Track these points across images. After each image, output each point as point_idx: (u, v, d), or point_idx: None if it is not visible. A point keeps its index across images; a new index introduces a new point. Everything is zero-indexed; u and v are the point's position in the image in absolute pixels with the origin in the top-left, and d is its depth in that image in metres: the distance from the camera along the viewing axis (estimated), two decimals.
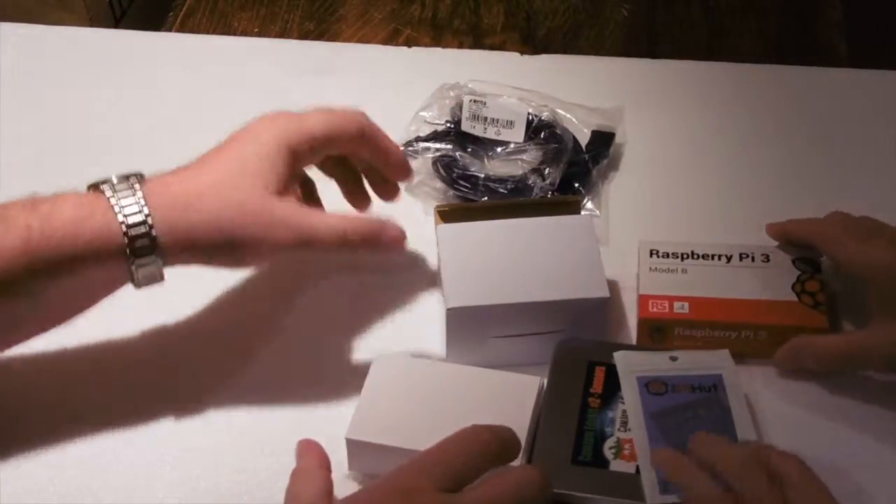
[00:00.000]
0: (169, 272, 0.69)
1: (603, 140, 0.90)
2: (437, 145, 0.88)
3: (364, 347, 0.75)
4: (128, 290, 0.70)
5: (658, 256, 0.78)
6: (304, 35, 1.09)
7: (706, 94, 0.98)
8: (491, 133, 0.90)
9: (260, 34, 1.09)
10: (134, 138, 0.94)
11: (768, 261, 0.77)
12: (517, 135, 0.89)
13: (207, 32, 1.10)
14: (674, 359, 0.72)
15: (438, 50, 1.05)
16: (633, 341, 0.77)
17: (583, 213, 0.85)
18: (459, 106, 0.91)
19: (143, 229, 0.65)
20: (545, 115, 0.90)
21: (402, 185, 0.81)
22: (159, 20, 1.15)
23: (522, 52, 1.03)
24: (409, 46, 1.05)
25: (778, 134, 0.94)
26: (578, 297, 0.73)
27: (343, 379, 0.74)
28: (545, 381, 0.72)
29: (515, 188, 0.85)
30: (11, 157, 0.92)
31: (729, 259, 0.78)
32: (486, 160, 0.88)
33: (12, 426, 0.73)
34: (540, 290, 0.74)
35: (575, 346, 0.74)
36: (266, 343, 0.78)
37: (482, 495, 0.58)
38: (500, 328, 0.74)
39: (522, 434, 0.67)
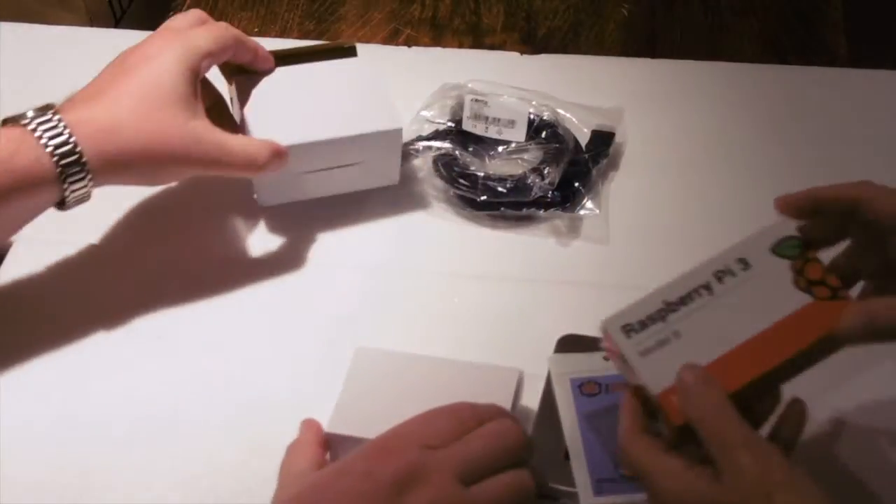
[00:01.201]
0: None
1: (603, 140, 0.90)
2: (439, 144, 0.89)
3: (347, 342, 0.75)
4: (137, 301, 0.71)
5: (637, 332, 0.61)
6: (304, 35, 1.09)
7: (706, 94, 0.98)
8: (492, 132, 0.90)
9: (260, 34, 1.09)
10: None
11: (748, 265, 0.63)
12: (518, 134, 0.89)
13: None
14: (608, 359, 0.66)
15: (438, 50, 1.05)
16: None
17: (583, 212, 0.85)
18: (460, 105, 0.91)
19: (72, 157, 0.70)
20: (546, 115, 0.90)
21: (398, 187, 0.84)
22: (159, 20, 1.15)
23: (522, 52, 1.03)
24: (409, 46, 1.05)
25: (778, 134, 0.94)
26: (375, 130, 0.80)
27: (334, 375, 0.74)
28: (524, 374, 0.72)
29: (515, 187, 0.85)
30: None
31: (709, 288, 0.62)
32: (486, 159, 0.88)
33: (13, 426, 0.73)
34: (339, 126, 0.80)
35: (572, 343, 0.75)
36: (262, 343, 0.78)
37: (458, 449, 0.61)
38: (305, 165, 0.80)
39: None
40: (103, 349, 0.77)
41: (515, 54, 1.03)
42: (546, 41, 1.08)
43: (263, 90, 0.81)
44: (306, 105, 0.81)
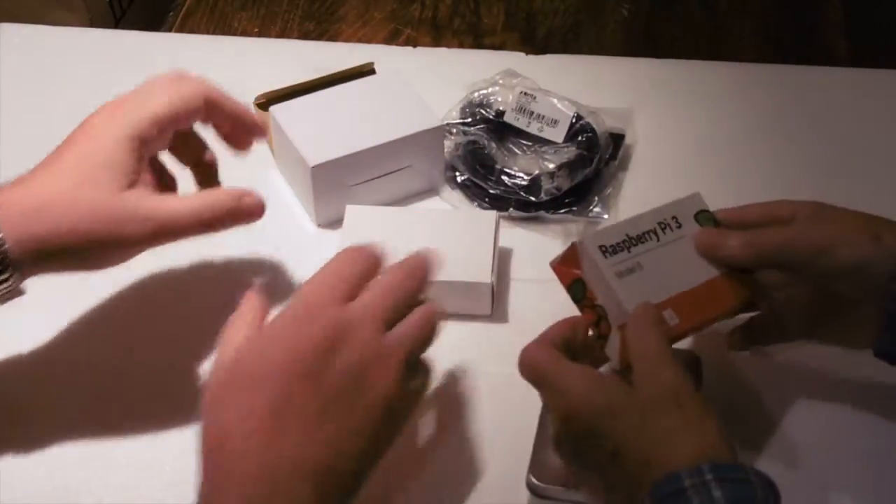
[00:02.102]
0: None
1: (613, 141, 0.90)
2: (473, 129, 0.89)
3: None
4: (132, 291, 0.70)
5: (611, 254, 0.66)
6: (304, 35, 1.09)
7: (713, 94, 0.98)
8: (534, 129, 0.90)
9: (260, 34, 1.09)
10: None
11: (680, 225, 0.69)
12: (558, 135, 0.89)
13: (207, 32, 1.10)
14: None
15: (439, 50, 1.05)
16: None
17: (591, 216, 0.85)
18: (474, 104, 0.90)
19: None
20: (587, 121, 0.89)
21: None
22: (159, 20, 1.16)
23: (527, 53, 1.02)
24: (414, 47, 1.05)
25: (780, 134, 0.94)
26: (417, 130, 0.83)
27: None
28: (500, 216, 0.80)
29: (528, 186, 0.85)
30: (12, 157, 0.91)
31: (656, 234, 0.68)
32: (517, 152, 0.88)
33: (12, 427, 0.73)
34: (383, 133, 0.83)
35: None
36: None
37: (374, 297, 0.61)
38: (356, 176, 0.83)
39: (488, 258, 0.77)
40: (103, 349, 0.77)
41: (519, 54, 1.02)
42: (546, 41, 1.08)
43: (302, 114, 0.84)
44: (346, 120, 0.84)
